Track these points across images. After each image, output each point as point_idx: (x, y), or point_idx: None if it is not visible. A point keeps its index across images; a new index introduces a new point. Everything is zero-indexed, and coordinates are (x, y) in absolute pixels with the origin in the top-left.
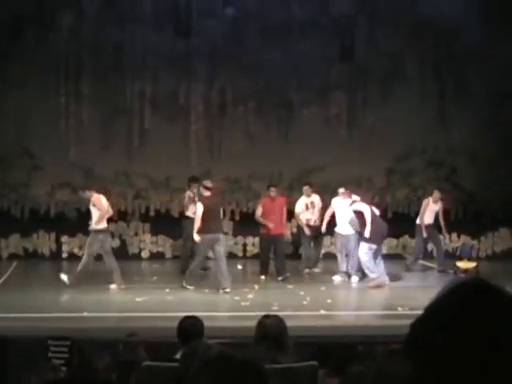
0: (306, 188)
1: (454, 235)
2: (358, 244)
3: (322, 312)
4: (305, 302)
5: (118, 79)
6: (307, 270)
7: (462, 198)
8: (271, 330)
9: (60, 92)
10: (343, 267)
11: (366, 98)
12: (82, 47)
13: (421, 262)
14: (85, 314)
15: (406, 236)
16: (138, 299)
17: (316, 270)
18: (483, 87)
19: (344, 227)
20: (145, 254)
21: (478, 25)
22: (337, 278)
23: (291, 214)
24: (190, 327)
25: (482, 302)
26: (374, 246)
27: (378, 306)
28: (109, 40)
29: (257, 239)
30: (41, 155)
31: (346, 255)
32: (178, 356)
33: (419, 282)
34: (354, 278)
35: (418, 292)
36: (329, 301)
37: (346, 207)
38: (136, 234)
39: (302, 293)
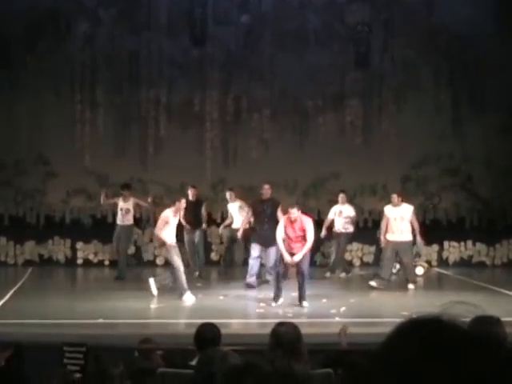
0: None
1: (470, 243)
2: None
3: (337, 319)
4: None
5: (133, 87)
6: (328, 274)
7: (477, 205)
8: (285, 338)
9: (75, 99)
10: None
11: (381, 105)
12: (97, 55)
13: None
14: (100, 320)
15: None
16: (152, 306)
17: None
18: (498, 95)
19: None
20: (160, 261)
21: (492, 33)
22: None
23: None
24: (208, 334)
25: (439, 343)
26: None
27: (393, 313)
28: (124, 48)
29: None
30: (56, 162)
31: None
32: (193, 363)
33: (434, 289)
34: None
35: (432, 299)
36: (343, 308)
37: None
38: (151, 241)
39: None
